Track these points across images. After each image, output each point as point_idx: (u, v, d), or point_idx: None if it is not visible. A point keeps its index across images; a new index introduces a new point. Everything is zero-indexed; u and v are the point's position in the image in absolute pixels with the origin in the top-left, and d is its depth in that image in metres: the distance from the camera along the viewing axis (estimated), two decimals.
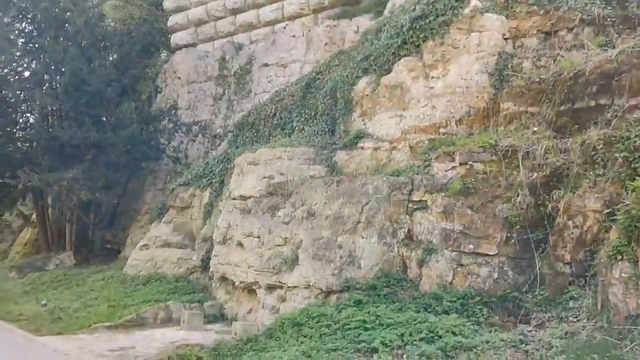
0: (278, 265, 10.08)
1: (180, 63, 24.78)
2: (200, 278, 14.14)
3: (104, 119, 21.34)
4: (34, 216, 29.51)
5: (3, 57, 20.43)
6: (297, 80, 15.69)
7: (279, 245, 10.35)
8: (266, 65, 21.67)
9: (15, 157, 21.02)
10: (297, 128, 13.93)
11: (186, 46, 24.90)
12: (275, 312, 9.81)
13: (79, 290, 14.95)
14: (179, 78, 24.62)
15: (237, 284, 11.00)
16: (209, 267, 13.71)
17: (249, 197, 11.82)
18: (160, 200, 18.23)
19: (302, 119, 13.79)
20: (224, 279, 11.79)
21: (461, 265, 8.58)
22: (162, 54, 27.38)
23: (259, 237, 10.86)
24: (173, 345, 8.07)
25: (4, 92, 20.36)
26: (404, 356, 6.85)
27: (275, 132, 14.72)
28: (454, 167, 9.23)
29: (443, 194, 9.03)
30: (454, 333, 7.14)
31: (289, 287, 9.76)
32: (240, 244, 11.33)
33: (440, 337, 7.09)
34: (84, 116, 19.88)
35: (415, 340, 7.11)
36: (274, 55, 21.41)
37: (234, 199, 12.37)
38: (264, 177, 11.72)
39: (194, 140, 22.08)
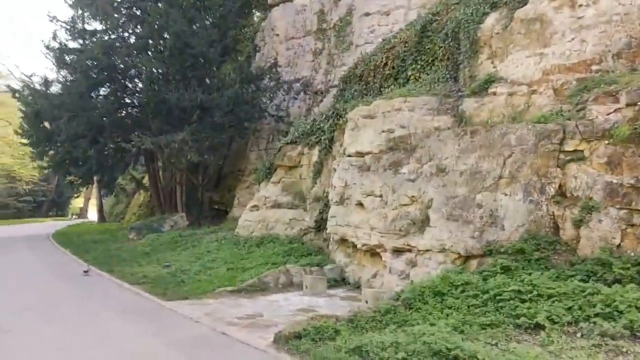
0: (405, 226, 9.21)
1: (278, 20, 24.08)
2: (314, 239, 13.66)
3: (208, 81, 21.28)
4: (145, 179, 30.91)
5: (109, 24, 20.75)
6: (409, 24, 14.38)
7: (404, 205, 9.45)
8: (367, 14, 20.40)
9: (127, 122, 21.60)
10: (412, 77, 12.76)
11: (283, 2, 24.10)
12: (404, 278, 9.01)
13: (196, 252, 15.04)
14: (277, 35, 23.98)
15: (358, 246, 10.29)
16: (323, 228, 13.22)
17: (367, 154, 10.96)
18: (266, 160, 17.90)
19: (419, 67, 12.58)
20: (342, 241, 11.14)
21: (632, 225, 7.22)
22: (259, 12, 26.88)
23: (380, 196, 10.01)
24: (306, 315, 7.50)
25: (112, 59, 20.78)
26: (579, 335, 5.77)
27: (387, 83, 13.64)
28: (618, 110, 7.73)
29: (606, 142, 7.60)
30: (638, 308, 5.93)
31: (419, 250, 8.89)
32: (360, 204, 10.56)
33: (621, 312, 5.91)
34: (190, 78, 19.87)
35: (589, 315, 5.99)
36: (374, 3, 20.08)
37: (349, 155, 11.56)
38: (383, 131, 10.77)
39: (295, 98, 21.50)
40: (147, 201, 30.99)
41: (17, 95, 22.97)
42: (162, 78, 20.64)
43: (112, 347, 6.41)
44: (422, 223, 8.98)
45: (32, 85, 22.48)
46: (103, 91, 21.98)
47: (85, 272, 12.87)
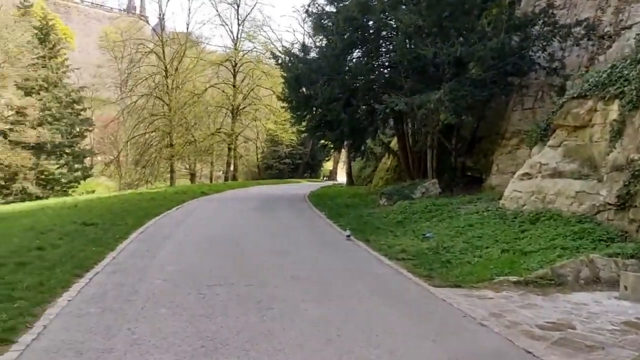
0: None
1: None
2: (614, 220, 10.59)
3: (467, 32, 18.90)
4: (393, 143, 30.17)
5: None
6: None
7: None
8: None
9: (379, 83, 20.64)
10: None
11: None
12: None
13: (455, 225, 13.24)
14: None
15: None
16: (631, 207, 10.11)
17: None
18: (540, 120, 14.97)
19: None
20: None
21: None
22: None
23: None
24: None
25: (366, 17, 19.88)
26: None
27: None
28: None
29: None
30: None
31: None
32: None
33: None
34: (447, 30, 17.80)
35: None
36: None
37: None
38: None
39: (577, 45, 17.71)
40: (395, 166, 30.24)
41: (279, 62, 23.93)
42: (417, 33, 18.94)
43: (382, 349, 5.00)
44: None
45: (292, 52, 23.09)
46: (356, 54, 21.36)
47: (348, 237, 12.57)
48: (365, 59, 20.69)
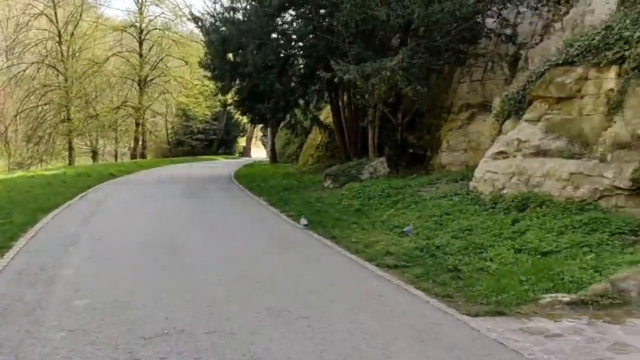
0: None
1: None
2: (627, 207, 9.06)
3: None
4: (322, 116, 27.99)
5: None
6: None
7: None
8: None
9: (319, 48, 18.16)
10: None
11: None
12: None
13: (427, 213, 11.31)
14: None
15: None
16: None
17: None
18: (512, 92, 13.28)
19: None
20: None
21: None
22: None
23: None
24: None
25: None
26: None
27: None
28: None
29: None
30: None
31: None
32: None
33: None
34: None
35: None
36: None
37: None
38: None
39: (537, 9, 16.23)
40: (327, 142, 28.14)
41: (199, 24, 20.76)
42: None
43: None
44: None
45: (216, 12, 20.00)
46: (293, 14, 18.74)
47: (305, 226, 10.79)
48: (303, 21, 18.12)
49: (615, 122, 9.98)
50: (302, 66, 19.82)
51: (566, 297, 5.86)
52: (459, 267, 7.28)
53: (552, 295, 5.95)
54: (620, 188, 9.16)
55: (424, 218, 11.00)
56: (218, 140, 58.96)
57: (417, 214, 11.47)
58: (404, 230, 9.85)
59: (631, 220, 8.51)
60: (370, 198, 13.90)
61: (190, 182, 21.56)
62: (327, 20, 18.19)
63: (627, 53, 9.89)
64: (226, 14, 19.71)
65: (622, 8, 11.67)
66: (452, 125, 18.98)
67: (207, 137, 56.73)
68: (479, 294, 6.19)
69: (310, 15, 18.17)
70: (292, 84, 19.72)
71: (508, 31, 17.06)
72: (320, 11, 17.91)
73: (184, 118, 52.81)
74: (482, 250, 8.11)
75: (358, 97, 18.67)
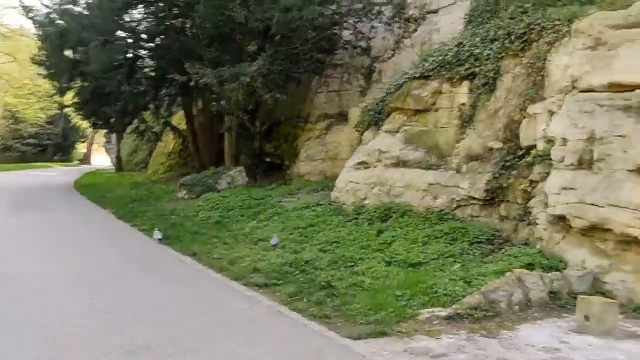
0: None
1: None
2: (480, 216, 9.47)
3: None
4: (176, 121, 26.47)
5: None
6: None
7: None
8: None
9: (173, 50, 16.95)
10: None
11: None
12: None
13: (291, 225, 10.92)
14: None
15: None
16: (502, 202, 9.07)
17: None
18: (372, 103, 13.49)
19: None
20: (590, 230, 6.93)
21: None
22: None
23: None
24: None
25: None
26: None
27: None
28: None
29: None
30: None
31: None
32: None
33: None
34: None
35: None
36: None
37: (589, 91, 7.28)
38: None
39: (389, 24, 16.81)
40: (180, 149, 26.66)
41: (31, 14, 18.32)
42: None
43: None
44: None
45: (52, 2, 17.76)
46: (142, 10, 17.29)
47: (160, 239, 9.97)
48: (155, 19, 16.83)
49: (467, 134, 10.49)
50: (153, 67, 18.38)
51: (443, 312, 5.76)
52: (332, 283, 6.91)
53: (429, 310, 5.82)
54: (475, 198, 9.56)
55: (288, 230, 10.58)
56: (54, 145, 53.48)
57: (281, 226, 11.04)
58: (272, 243, 9.31)
59: (486, 229, 8.89)
60: (230, 209, 13.17)
61: (22, 192, 18.88)
62: (180, 20, 17.10)
63: (477, 69, 10.46)
64: (64, 5, 17.62)
65: (470, 27, 12.48)
66: (309, 134, 18.96)
67: (40, 143, 51.09)
68: (357, 312, 5.86)
69: (162, 14, 16.92)
70: (142, 87, 18.20)
71: (363, 44, 17.46)
72: (174, 10, 16.75)
73: (12, 121, 46.97)
74: (353, 263, 7.88)
75: (214, 103, 17.84)
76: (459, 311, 5.74)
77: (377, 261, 7.84)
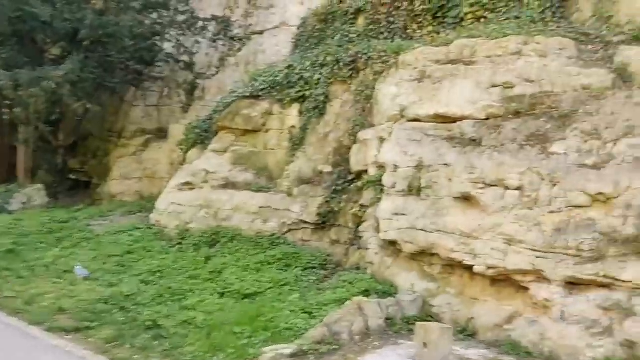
0: (592, 244, 5.66)
1: None
2: (311, 240, 9.31)
3: None
4: None
5: None
6: None
7: (579, 207, 5.89)
8: None
9: None
10: (470, 16, 9.11)
11: None
12: (599, 333, 5.49)
13: (104, 252, 9.65)
14: None
15: (478, 269, 6.36)
16: (333, 226, 9.02)
17: (461, 118, 7.13)
18: (198, 121, 12.69)
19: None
20: (419, 254, 7.11)
21: None
22: None
23: (519, 188, 6.28)
24: None
25: None
26: None
27: (419, 24, 9.81)
28: None
29: None
30: None
31: (634, 288, 5.45)
32: (465, 199, 6.69)
33: None
34: None
35: None
36: None
37: (417, 120, 7.59)
38: (493, 86, 7.04)
39: (214, 41, 16.22)
40: None
41: None
42: None
43: None
44: (627, 241, 5.54)
45: None
46: None
47: None
48: None
49: (298, 157, 10.36)
50: None
51: (287, 349, 5.32)
52: (159, 322, 6.05)
53: (273, 348, 5.33)
54: (306, 222, 9.40)
55: (101, 259, 9.29)
56: None
57: (93, 254, 9.66)
58: (79, 275, 7.97)
59: (318, 254, 8.75)
60: (26, 235, 11.21)
61: None
62: None
63: (307, 93, 10.44)
64: None
65: (297, 51, 12.53)
66: (124, 151, 17.39)
67: None
68: (191, 356, 5.11)
69: None
70: None
71: (186, 58, 16.61)
72: None
73: None
74: (182, 296, 7.08)
75: (6, 110, 15.32)
76: (303, 347, 5.35)
77: (209, 293, 7.14)
